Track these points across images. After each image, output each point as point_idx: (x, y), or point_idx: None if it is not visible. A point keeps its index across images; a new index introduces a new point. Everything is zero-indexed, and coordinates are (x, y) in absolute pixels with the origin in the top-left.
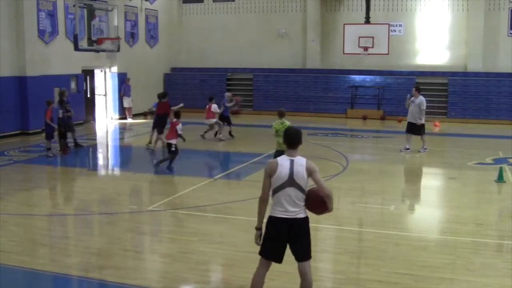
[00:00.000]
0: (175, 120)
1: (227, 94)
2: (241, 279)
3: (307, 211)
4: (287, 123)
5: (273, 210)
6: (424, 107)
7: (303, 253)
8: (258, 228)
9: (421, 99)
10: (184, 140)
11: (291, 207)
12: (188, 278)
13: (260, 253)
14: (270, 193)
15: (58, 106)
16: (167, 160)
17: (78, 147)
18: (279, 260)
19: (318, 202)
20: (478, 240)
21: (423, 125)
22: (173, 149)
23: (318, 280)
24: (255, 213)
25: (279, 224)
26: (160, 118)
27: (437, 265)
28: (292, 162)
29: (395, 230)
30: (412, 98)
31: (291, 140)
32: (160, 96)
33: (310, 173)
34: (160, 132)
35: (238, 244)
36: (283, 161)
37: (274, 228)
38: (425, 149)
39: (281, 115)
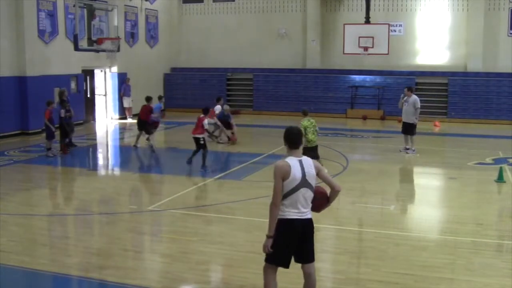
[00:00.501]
0: (202, 116)
1: (226, 107)
2: (241, 279)
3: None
4: (313, 120)
5: (286, 212)
6: (419, 106)
7: (310, 255)
8: (271, 236)
9: (414, 98)
10: (211, 135)
11: (303, 208)
12: (188, 278)
13: (270, 260)
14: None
15: (58, 106)
16: (199, 158)
17: (72, 147)
18: (288, 265)
19: (324, 200)
20: (478, 240)
21: (415, 126)
22: (201, 142)
23: (318, 280)
24: (255, 213)
25: (295, 226)
26: (141, 121)
27: (437, 265)
28: (301, 162)
29: (395, 230)
30: (405, 98)
31: (295, 141)
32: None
33: (318, 171)
34: (150, 133)
35: (238, 244)
36: (294, 162)
37: (290, 231)
38: (414, 150)
39: (305, 114)
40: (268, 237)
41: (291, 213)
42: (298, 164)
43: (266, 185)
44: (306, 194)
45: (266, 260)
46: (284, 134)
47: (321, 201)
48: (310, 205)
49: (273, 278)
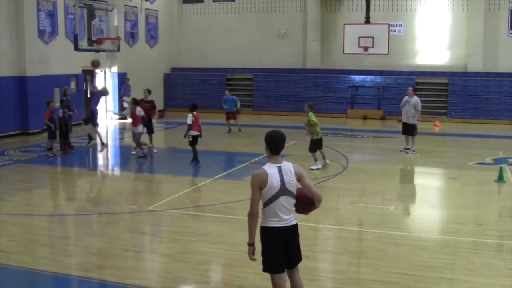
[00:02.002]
0: (196, 113)
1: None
2: (241, 279)
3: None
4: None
5: (267, 221)
6: (420, 108)
7: (296, 260)
8: (252, 244)
9: (416, 99)
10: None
11: (285, 215)
12: (188, 278)
13: (264, 269)
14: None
15: (59, 105)
16: (194, 153)
17: (71, 148)
18: (282, 270)
19: (308, 205)
20: (478, 240)
21: (415, 126)
22: (200, 138)
23: (318, 280)
24: None
25: (277, 234)
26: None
27: (437, 265)
28: (280, 169)
29: (395, 230)
30: (407, 97)
31: (277, 146)
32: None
33: (299, 178)
34: (152, 132)
35: (238, 244)
36: (271, 170)
37: (273, 238)
38: (414, 150)
39: (312, 108)
40: (248, 245)
41: (273, 221)
42: (276, 172)
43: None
44: (287, 201)
45: (263, 269)
46: (266, 139)
47: (308, 205)
48: (293, 210)
49: (282, 283)
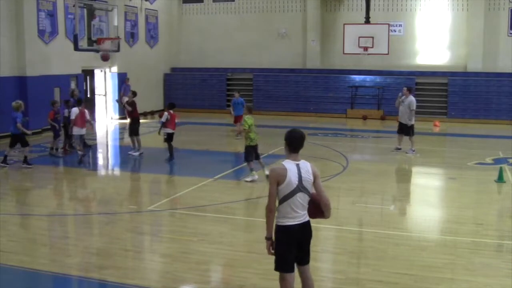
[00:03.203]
0: (172, 112)
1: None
2: (241, 279)
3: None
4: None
5: (284, 218)
6: (414, 108)
7: (307, 256)
8: (269, 238)
9: (411, 99)
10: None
11: (301, 211)
12: (188, 278)
13: (276, 267)
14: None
15: (63, 106)
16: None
17: (72, 149)
18: (293, 269)
19: (319, 210)
20: (478, 240)
21: (412, 126)
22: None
23: (318, 280)
24: (255, 213)
25: (294, 232)
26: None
27: (437, 265)
28: (298, 166)
29: (395, 230)
30: (403, 97)
31: (297, 145)
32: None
33: (314, 178)
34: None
35: (238, 244)
36: (290, 166)
37: (289, 237)
38: (413, 150)
39: (250, 111)
40: (266, 239)
41: (289, 219)
42: (295, 168)
43: (266, 185)
44: (303, 198)
45: (274, 268)
46: (286, 136)
47: (316, 211)
48: (307, 207)
49: (290, 282)
